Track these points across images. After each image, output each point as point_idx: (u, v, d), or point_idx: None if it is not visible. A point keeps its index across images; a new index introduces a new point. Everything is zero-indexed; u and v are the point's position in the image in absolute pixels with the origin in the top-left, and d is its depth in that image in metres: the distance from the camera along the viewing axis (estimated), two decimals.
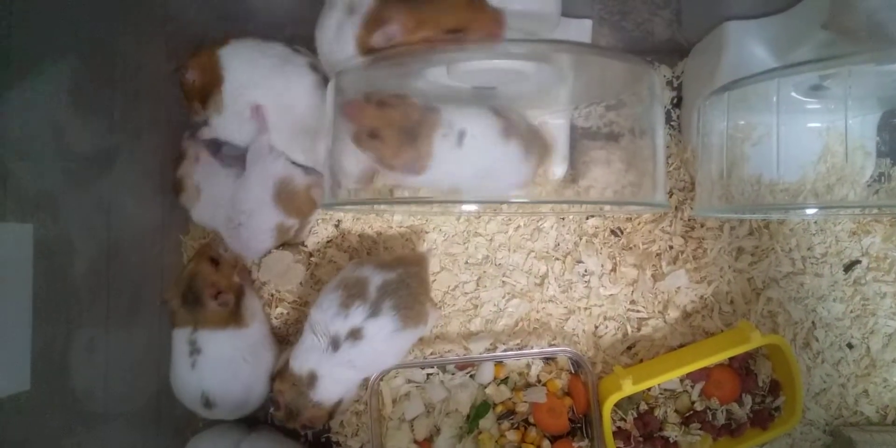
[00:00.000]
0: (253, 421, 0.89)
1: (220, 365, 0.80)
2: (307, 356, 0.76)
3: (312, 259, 0.89)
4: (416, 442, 0.84)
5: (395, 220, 0.89)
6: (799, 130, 0.81)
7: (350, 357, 0.74)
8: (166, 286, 0.83)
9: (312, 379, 0.75)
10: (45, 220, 0.65)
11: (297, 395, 0.76)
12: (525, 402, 0.84)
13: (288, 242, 0.88)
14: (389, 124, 0.63)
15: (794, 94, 0.74)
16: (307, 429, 0.85)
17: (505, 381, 0.85)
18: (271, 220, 0.82)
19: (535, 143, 0.72)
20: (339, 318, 0.74)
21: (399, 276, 0.77)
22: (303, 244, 0.90)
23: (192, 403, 0.81)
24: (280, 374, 0.77)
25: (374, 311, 0.74)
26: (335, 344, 0.74)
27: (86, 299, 0.71)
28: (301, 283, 0.89)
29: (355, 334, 0.74)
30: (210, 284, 0.79)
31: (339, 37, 0.67)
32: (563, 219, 0.89)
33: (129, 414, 0.79)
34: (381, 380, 0.84)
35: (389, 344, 0.76)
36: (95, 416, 0.72)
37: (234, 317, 0.80)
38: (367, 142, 0.64)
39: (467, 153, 0.66)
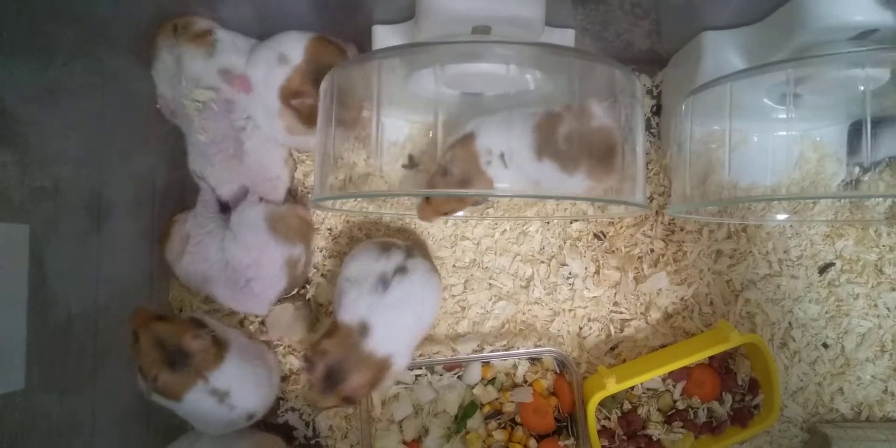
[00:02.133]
0: None
1: (250, 387, 0.79)
2: (356, 305, 0.75)
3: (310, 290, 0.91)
4: (404, 443, 0.85)
5: (383, 222, 0.91)
6: (773, 137, 0.84)
7: (400, 295, 0.75)
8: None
9: (364, 328, 0.74)
10: (38, 221, 0.66)
11: (347, 351, 0.73)
12: (512, 402, 0.85)
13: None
14: (448, 201, 0.73)
15: (766, 100, 0.77)
16: (346, 401, 0.75)
17: (492, 381, 0.87)
18: (279, 258, 0.82)
19: (580, 159, 0.68)
20: (382, 260, 0.77)
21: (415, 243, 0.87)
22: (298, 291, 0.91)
23: (239, 425, 0.81)
24: (328, 334, 0.75)
25: (409, 254, 0.79)
26: (384, 282, 0.75)
27: (77, 299, 0.72)
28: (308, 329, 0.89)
29: (401, 270, 0.76)
30: (180, 334, 0.73)
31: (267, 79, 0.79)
32: (548, 223, 0.91)
33: (119, 415, 0.79)
34: None
35: (428, 284, 0.79)
36: (85, 417, 0.72)
37: (218, 344, 0.77)
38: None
39: (516, 170, 0.68)
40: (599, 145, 0.67)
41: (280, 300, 0.87)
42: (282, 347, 0.90)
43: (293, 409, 0.90)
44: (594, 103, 0.67)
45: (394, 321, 0.75)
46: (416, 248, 0.82)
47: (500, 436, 0.84)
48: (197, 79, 0.79)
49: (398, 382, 0.87)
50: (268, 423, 0.89)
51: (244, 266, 0.80)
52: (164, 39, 0.79)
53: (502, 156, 0.67)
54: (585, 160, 0.68)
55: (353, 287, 0.76)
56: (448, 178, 0.68)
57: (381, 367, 0.75)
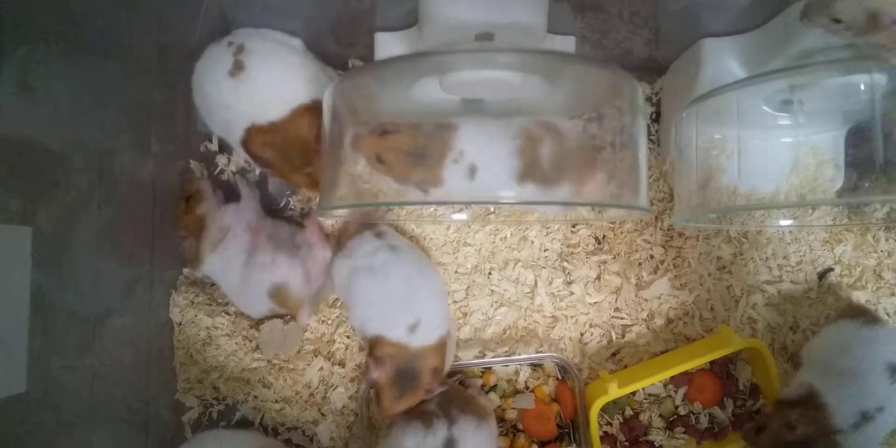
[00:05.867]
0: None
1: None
2: None
3: None
4: None
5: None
6: (772, 144, 0.84)
7: None
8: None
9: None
10: (40, 224, 0.65)
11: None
12: (513, 408, 0.85)
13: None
14: (392, 149, 0.66)
15: (765, 108, 0.78)
16: (431, 391, 0.78)
17: (493, 388, 0.87)
18: (265, 307, 0.85)
19: (560, 183, 0.70)
20: (430, 438, 0.75)
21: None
22: None
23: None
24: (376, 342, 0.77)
25: (450, 419, 0.76)
26: None
27: (77, 303, 0.72)
28: (302, 341, 0.89)
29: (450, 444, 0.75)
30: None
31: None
32: (549, 228, 0.91)
33: (118, 421, 0.78)
34: (372, 389, 0.85)
35: (482, 434, 0.77)
36: (85, 422, 0.72)
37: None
38: (377, 166, 0.67)
39: (478, 186, 0.67)
40: (579, 164, 0.69)
41: (267, 317, 0.88)
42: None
43: (294, 428, 0.90)
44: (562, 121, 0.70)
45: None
46: (451, 401, 0.79)
47: (502, 443, 0.84)
48: None
49: None
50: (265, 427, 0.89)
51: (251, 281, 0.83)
52: None
53: (472, 168, 0.66)
54: (567, 180, 0.69)
55: None
56: (387, 142, 0.66)
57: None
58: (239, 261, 0.83)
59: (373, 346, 0.77)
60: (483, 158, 0.66)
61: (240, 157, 0.91)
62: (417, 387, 0.76)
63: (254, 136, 0.79)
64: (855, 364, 0.75)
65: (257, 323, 0.89)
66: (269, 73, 0.77)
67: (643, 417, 0.86)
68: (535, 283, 0.90)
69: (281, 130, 0.78)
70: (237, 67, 0.76)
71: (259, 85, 0.77)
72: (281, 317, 0.88)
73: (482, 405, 0.80)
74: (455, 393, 0.81)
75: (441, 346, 0.78)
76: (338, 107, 0.68)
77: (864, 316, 0.81)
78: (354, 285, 0.80)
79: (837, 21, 0.61)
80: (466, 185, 0.66)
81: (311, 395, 0.90)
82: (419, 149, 0.66)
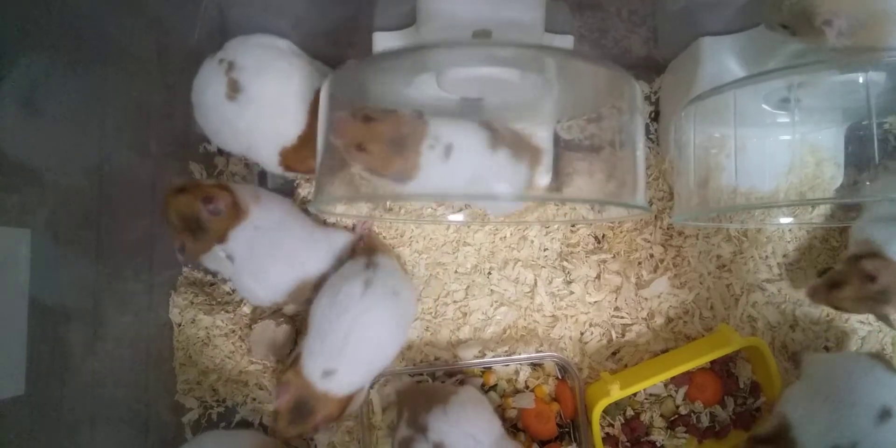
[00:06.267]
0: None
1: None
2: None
3: None
4: None
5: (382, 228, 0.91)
6: (772, 142, 0.84)
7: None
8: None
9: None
10: (39, 224, 0.65)
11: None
12: (514, 408, 0.85)
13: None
14: (376, 138, 0.65)
15: (765, 106, 0.78)
16: (315, 430, 0.78)
17: (494, 387, 0.87)
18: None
19: (523, 150, 0.74)
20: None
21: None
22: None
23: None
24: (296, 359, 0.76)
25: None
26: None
27: (76, 304, 0.72)
28: (296, 342, 0.88)
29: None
30: (200, 199, 0.75)
31: None
32: (548, 228, 0.91)
33: (118, 422, 0.78)
34: (372, 388, 0.85)
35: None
36: (85, 423, 0.72)
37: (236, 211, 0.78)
38: (356, 154, 0.66)
39: (455, 166, 0.68)
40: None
41: (261, 318, 0.87)
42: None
43: None
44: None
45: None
46: (418, 408, 0.77)
47: None
48: None
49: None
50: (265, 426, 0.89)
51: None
52: None
53: (448, 147, 0.66)
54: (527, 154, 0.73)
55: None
56: (370, 128, 0.64)
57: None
58: (277, 230, 0.81)
59: (292, 362, 0.76)
60: (456, 136, 0.67)
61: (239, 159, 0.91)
62: (307, 423, 0.74)
63: (290, 156, 0.80)
64: (849, 391, 0.71)
65: (251, 323, 0.89)
66: (268, 90, 0.77)
67: (644, 417, 0.86)
68: (535, 283, 0.90)
69: (310, 136, 0.77)
70: (233, 89, 0.76)
71: (264, 105, 0.77)
72: (273, 319, 0.87)
73: (441, 388, 0.80)
74: (414, 394, 0.80)
75: (345, 401, 0.76)
76: (334, 102, 0.67)
77: (886, 363, 0.76)
78: (320, 294, 0.80)
79: (785, 27, 0.64)
80: (440, 168, 0.66)
81: None
82: (401, 137, 0.65)
